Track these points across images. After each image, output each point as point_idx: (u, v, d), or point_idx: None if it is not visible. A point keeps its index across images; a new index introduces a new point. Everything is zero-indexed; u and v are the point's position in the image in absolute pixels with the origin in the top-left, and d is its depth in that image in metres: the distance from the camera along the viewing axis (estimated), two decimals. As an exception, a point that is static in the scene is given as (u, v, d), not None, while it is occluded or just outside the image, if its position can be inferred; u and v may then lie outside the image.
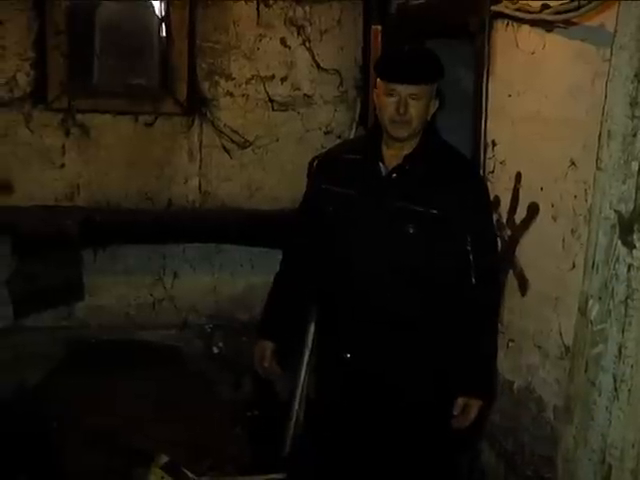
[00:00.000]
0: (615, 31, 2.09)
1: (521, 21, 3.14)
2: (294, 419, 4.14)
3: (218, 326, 4.87)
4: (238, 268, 4.86)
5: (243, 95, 4.75)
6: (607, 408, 2.08)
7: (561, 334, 2.91)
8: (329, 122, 4.84)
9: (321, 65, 4.80)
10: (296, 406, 4.15)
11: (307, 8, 4.73)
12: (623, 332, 2.03)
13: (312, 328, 4.06)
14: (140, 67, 4.76)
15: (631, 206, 2.00)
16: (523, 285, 3.20)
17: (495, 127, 3.42)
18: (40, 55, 4.46)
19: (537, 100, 3.09)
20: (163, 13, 4.74)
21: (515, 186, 3.25)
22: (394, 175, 2.76)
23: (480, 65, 3.46)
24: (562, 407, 2.44)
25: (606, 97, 2.10)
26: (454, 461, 3.18)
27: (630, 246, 2.01)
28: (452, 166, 2.80)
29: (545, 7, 2.89)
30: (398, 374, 2.80)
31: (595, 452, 2.11)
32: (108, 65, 4.69)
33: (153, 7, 4.82)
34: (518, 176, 3.24)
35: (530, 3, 3.02)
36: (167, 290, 4.83)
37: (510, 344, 3.31)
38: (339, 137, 4.77)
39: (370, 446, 2.86)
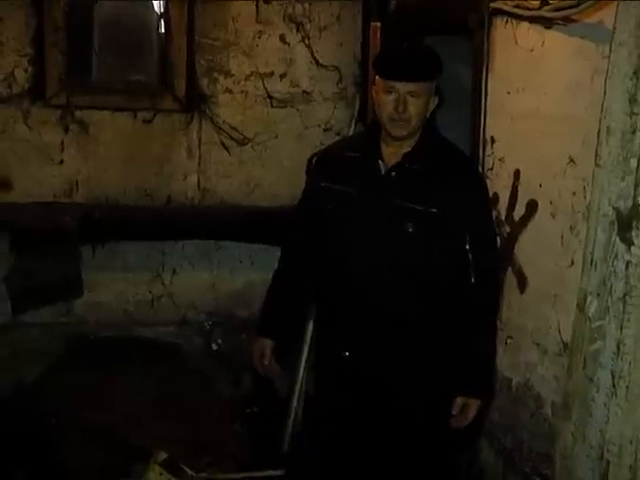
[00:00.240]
0: (614, 28, 2.09)
1: (520, 18, 3.14)
2: (293, 416, 4.14)
3: (217, 323, 4.87)
4: (237, 265, 4.86)
5: (242, 92, 4.74)
6: (605, 405, 2.08)
7: (559, 331, 2.91)
8: (328, 119, 4.84)
9: (320, 62, 4.79)
10: (295, 403, 4.15)
11: (306, 5, 4.72)
12: (621, 329, 2.03)
13: (311, 326, 4.06)
14: (139, 63, 4.75)
15: (630, 203, 2.00)
16: (522, 282, 3.20)
17: (494, 124, 3.42)
18: (38, 51, 4.46)
19: (536, 97, 3.09)
20: (162, 9, 4.74)
21: (514, 183, 3.25)
22: (393, 173, 2.75)
23: (479, 62, 3.46)
24: (560, 404, 2.44)
25: (605, 94, 2.10)
26: (453, 459, 3.18)
27: (628, 243, 2.01)
28: (451, 164, 2.80)
29: (544, 4, 2.88)
30: (397, 372, 2.80)
31: (593, 448, 2.12)
32: (107, 61, 4.67)
33: (152, 3, 4.81)
34: (517, 173, 3.24)
35: (529, 0, 3.01)
36: (166, 287, 4.83)
37: (509, 341, 3.31)
38: (338, 134, 4.76)
39: (369, 444, 2.86)
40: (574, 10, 2.67)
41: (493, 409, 3.37)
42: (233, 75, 4.73)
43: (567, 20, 2.80)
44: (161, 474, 3.47)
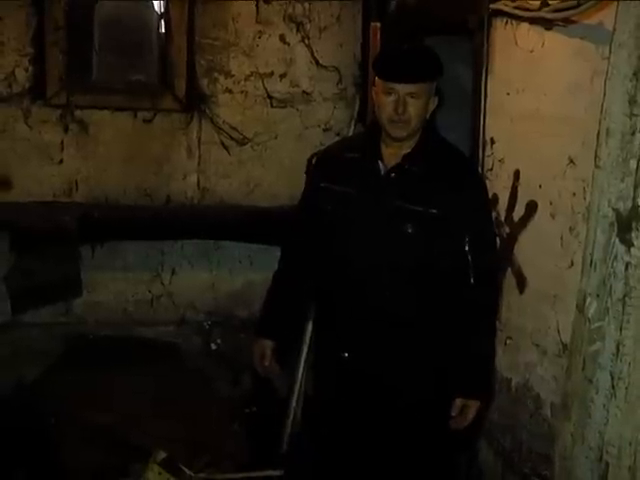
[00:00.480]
0: (614, 29, 2.09)
1: (520, 19, 3.14)
2: (292, 416, 4.15)
3: (216, 322, 4.87)
4: (237, 265, 4.86)
5: (242, 92, 4.74)
6: (604, 406, 2.08)
7: (559, 332, 2.91)
8: (328, 119, 4.84)
9: (320, 62, 4.79)
10: (294, 403, 4.15)
11: (306, 5, 4.73)
12: (621, 330, 2.03)
13: (310, 326, 4.06)
14: (139, 63, 4.75)
15: (629, 204, 2.01)
16: (521, 283, 3.21)
17: (494, 125, 3.42)
18: (39, 51, 4.46)
19: (536, 98, 3.09)
20: (162, 9, 4.74)
21: (513, 184, 3.25)
22: (393, 174, 2.75)
23: (479, 63, 3.46)
24: (559, 405, 2.44)
25: (605, 95, 2.10)
26: (452, 459, 3.18)
27: (628, 244, 2.01)
28: (451, 165, 2.79)
29: (544, 5, 2.88)
30: (396, 373, 2.79)
31: (592, 450, 2.12)
32: (107, 61, 4.67)
33: (152, 3, 4.81)
34: (517, 174, 3.24)
35: (529, 1, 3.01)
36: (165, 286, 4.83)
37: (508, 342, 3.31)
38: (338, 134, 4.77)
39: (368, 444, 2.86)
40: (574, 11, 2.67)
41: (492, 410, 3.37)
42: (233, 75, 4.73)
43: (567, 21, 2.80)
44: (160, 473, 3.47)
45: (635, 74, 2.00)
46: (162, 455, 3.54)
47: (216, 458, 3.80)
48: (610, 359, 2.06)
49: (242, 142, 4.78)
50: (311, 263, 2.91)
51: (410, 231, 2.69)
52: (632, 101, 2.00)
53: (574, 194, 2.81)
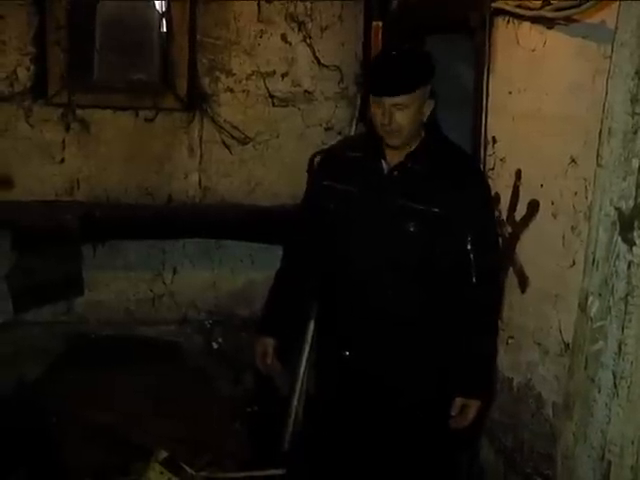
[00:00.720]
0: (616, 28, 2.09)
1: (522, 18, 3.14)
2: (293, 415, 4.14)
3: (218, 322, 4.87)
4: (238, 264, 4.86)
5: (243, 91, 4.74)
6: (607, 405, 2.08)
7: (561, 331, 2.91)
8: (329, 118, 4.84)
9: (322, 61, 4.79)
10: (295, 402, 4.15)
11: (308, 4, 4.73)
12: (623, 329, 2.03)
13: (312, 325, 4.06)
14: (140, 62, 4.75)
15: (631, 203, 2.00)
16: (523, 282, 3.20)
17: (495, 124, 3.42)
18: (40, 50, 4.46)
19: (538, 97, 3.09)
20: (164, 8, 4.74)
21: (515, 183, 3.25)
22: (395, 173, 2.75)
23: (480, 62, 3.45)
24: (562, 404, 2.44)
25: (607, 94, 2.10)
26: (453, 459, 3.18)
27: (630, 243, 2.01)
28: (454, 163, 2.80)
29: (546, 4, 2.88)
30: (398, 372, 2.80)
31: (594, 449, 2.11)
32: (108, 60, 4.67)
33: (154, 2, 4.81)
34: (518, 173, 3.23)
35: (531, 0, 3.01)
36: (167, 285, 4.83)
37: (510, 341, 3.31)
38: (339, 133, 4.77)
39: (369, 443, 2.86)
40: (576, 10, 2.67)
41: (494, 409, 3.37)
42: (234, 74, 4.73)
43: (569, 20, 2.80)
44: (161, 473, 3.47)
45: (637, 73, 1.99)
46: (163, 454, 3.54)
47: (217, 457, 3.80)
48: (612, 358, 2.06)
49: (243, 141, 4.78)
50: (313, 262, 2.91)
51: (412, 230, 2.70)
52: (634, 100, 2.00)
53: (576, 193, 2.81)
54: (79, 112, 4.57)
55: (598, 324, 2.10)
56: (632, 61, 2.01)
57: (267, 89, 4.76)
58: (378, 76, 2.71)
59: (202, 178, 4.78)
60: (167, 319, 4.82)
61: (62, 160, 4.60)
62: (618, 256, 2.04)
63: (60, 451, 3.72)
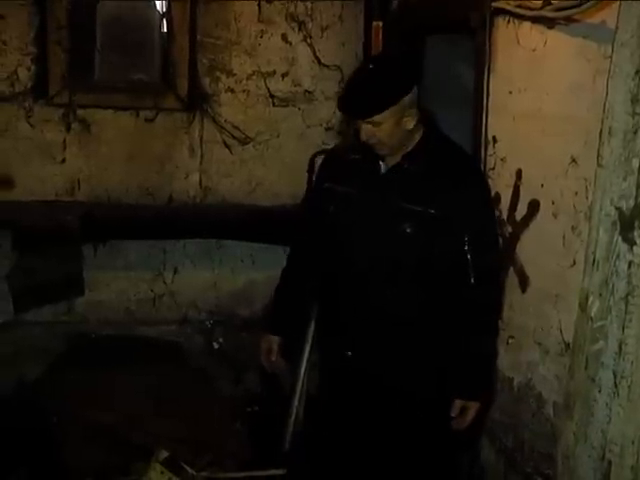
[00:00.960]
0: (616, 28, 2.09)
1: (522, 18, 3.14)
2: (294, 415, 4.14)
3: (218, 321, 4.87)
4: (238, 264, 4.86)
5: (244, 91, 4.75)
6: (607, 404, 2.08)
7: (561, 331, 2.91)
8: (330, 118, 4.84)
9: (322, 61, 4.79)
10: (296, 402, 4.15)
11: (308, 4, 4.73)
12: (623, 329, 2.03)
13: (313, 325, 4.06)
14: (141, 62, 4.75)
15: (632, 203, 2.00)
16: (523, 282, 3.20)
17: (496, 124, 3.42)
18: (41, 50, 4.47)
19: (538, 97, 3.09)
20: (164, 8, 4.74)
21: (516, 183, 3.25)
22: (392, 174, 2.75)
23: (481, 61, 3.45)
24: (562, 404, 2.44)
25: (607, 94, 2.10)
26: (454, 459, 3.18)
27: (631, 243, 2.01)
28: (452, 163, 2.79)
29: (546, 4, 2.88)
30: (398, 372, 2.80)
31: (595, 449, 2.11)
32: (109, 60, 4.67)
33: (154, 2, 4.81)
34: (519, 173, 3.23)
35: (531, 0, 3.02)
36: (167, 285, 4.83)
37: (510, 341, 3.31)
38: (340, 133, 4.78)
39: (370, 443, 2.87)
40: (576, 10, 2.67)
41: (494, 409, 3.37)
42: (235, 74, 4.73)
43: (569, 20, 2.80)
44: (162, 473, 3.47)
45: (637, 73, 1.99)
46: (164, 454, 3.54)
47: (218, 457, 3.80)
48: (613, 358, 2.06)
49: (244, 141, 4.78)
50: (315, 263, 2.92)
51: (409, 231, 2.69)
52: (634, 100, 2.00)
53: (576, 193, 2.81)
54: (80, 112, 4.57)
55: (598, 324, 2.10)
56: (632, 61, 2.01)
57: (268, 89, 4.76)
58: (346, 97, 2.69)
59: (203, 178, 4.78)
60: (168, 319, 4.82)
61: (63, 160, 4.61)
62: (618, 256, 2.04)
63: (61, 451, 3.72)
